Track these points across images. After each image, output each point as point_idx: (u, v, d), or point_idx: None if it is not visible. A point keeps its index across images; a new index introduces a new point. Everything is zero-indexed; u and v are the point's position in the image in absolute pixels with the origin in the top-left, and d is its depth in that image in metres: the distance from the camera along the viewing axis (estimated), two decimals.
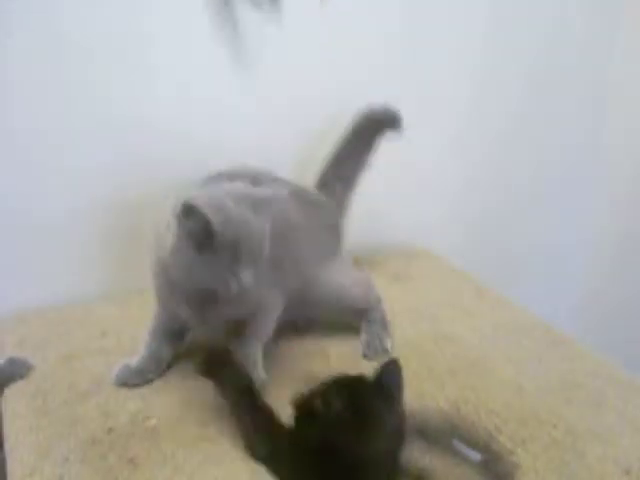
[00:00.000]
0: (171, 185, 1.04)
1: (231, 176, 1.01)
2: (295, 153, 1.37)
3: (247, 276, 0.89)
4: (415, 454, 0.98)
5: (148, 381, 1.01)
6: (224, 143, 1.24)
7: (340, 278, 1.14)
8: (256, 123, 1.31)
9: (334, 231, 1.21)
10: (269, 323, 1.06)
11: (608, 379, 1.04)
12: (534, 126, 1.64)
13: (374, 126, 1.29)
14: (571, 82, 1.65)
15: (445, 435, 0.96)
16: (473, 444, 0.93)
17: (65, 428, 0.90)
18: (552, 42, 1.59)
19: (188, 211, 0.85)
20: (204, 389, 0.96)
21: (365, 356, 1.11)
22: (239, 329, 1.02)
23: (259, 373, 1.01)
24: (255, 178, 1.02)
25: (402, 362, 1.04)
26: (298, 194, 1.12)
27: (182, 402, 0.96)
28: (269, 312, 1.05)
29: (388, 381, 0.88)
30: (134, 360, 1.02)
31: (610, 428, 0.92)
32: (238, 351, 1.00)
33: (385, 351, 1.10)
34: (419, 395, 0.98)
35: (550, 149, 1.68)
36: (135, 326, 1.15)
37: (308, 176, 1.28)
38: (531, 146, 1.65)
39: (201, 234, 0.85)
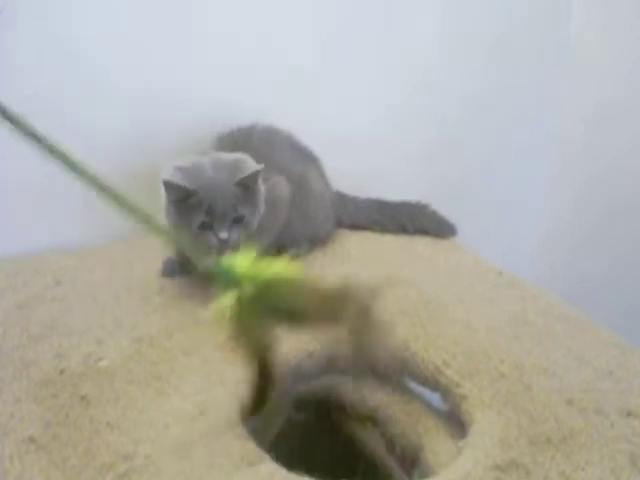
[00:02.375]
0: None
1: (239, 134, 1.19)
2: None
3: (224, 233, 1.02)
4: (366, 392, 1.01)
5: (191, 270, 1.10)
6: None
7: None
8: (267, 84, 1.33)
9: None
10: (267, 237, 1.15)
11: (558, 317, 1.06)
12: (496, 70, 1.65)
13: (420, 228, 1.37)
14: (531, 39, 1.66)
15: (395, 372, 0.98)
16: (422, 379, 0.96)
17: (17, 370, 0.90)
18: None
19: (167, 185, 1.02)
20: (156, 330, 0.97)
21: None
22: None
23: None
24: (260, 136, 1.18)
25: None
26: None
27: (135, 342, 0.96)
28: (269, 228, 1.15)
29: None
30: (172, 256, 1.16)
31: (556, 362, 0.94)
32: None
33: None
34: None
35: (509, 98, 1.69)
36: (90, 275, 1.16)
37: None
38: (492, 89, 1.66)
39: (181, 200, 1.02)
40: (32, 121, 0.71)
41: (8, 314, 1.03)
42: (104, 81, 1.22)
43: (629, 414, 0.84)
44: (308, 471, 0.76)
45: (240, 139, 1.18)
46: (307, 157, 1.27)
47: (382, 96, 1.51)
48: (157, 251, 1.18)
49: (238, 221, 1.04)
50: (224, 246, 1.02)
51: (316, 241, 1.28)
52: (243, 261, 0.79)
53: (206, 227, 1.02)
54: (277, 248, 1.20)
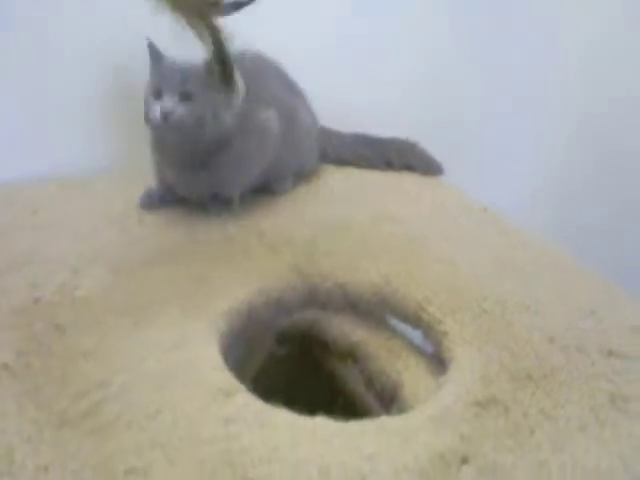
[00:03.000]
0: None
1: None
2: None
3: (167, 102, 0.99)
4: (347, 328, 1.00)
5: (169, 204, 1.12)
6: None
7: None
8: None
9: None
10: (255, 170, 1.14)
11: (542, 255, 1.05)
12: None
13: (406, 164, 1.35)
14: None
15: (377, 308, 0.97)
16: (403, 316, 0.95)
17: None
18: None
19: (148, 47, 1.04)
20: (135, 261, 0.95)
21: None
22: None
23: (233, 206, 1.12)
24: (250, 64, 1.13)
25: (337, 239, 1.05)
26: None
27: (113, 273, 0.94)
28: (258, 161, 1.13)
29: None
30: (154, 186, 1.14)
31: (539, 300, 0.93)
32: (222, 184, 1.11)
33: None
34: (352, 270, 0.98)
35: (505, 38, 1.64)
36: (69, 206, 1.13)
37: None
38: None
39: (154, 66, 1.04)
40: None
41: None
42: None
43: (610, 353, 0.83)
44: (287, 405, 0.75)
45: None
46: (295, 89, 1.24)
47: (369, 22, 1.45)
48: (139, 186, 1.16)
49: (186, 98, 0.99)
50: (166, 119, 0.98)
51: (301, 175, 1.25)
52: None
53: (157, 96, 1.00)
54: (262, 183, 1.18)
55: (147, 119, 1.02)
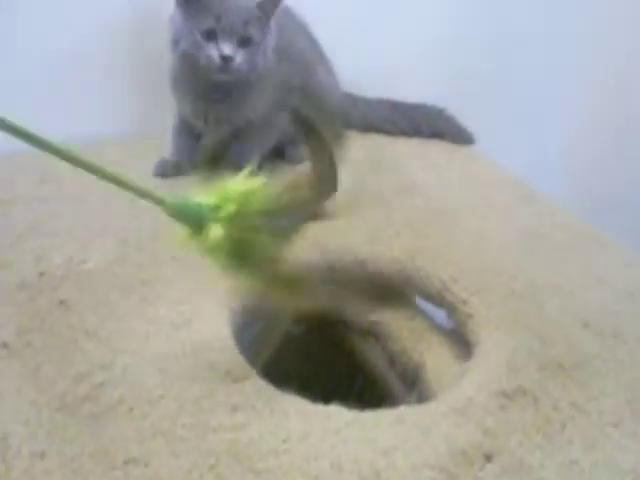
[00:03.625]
0: None
1: None
2: None
3: (228, 48, 0.94)
4: (367, 307, 0.95)
5: (184, 172, 1.08)
6: None
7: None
8: None
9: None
10: (271, 135, 1.11)
11: (576, 233, 0.99)
12: None
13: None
14: None
15: (399, 285, 0.92)
16: (426, 294, 0.89)
17: None
18: None
19: None
20: (144, 233, 0.91)
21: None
22: (242, 137, 1.08)
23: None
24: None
25: (358, 211, 1.00)
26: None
27: (121, 245, 0.90)
28: (271, 125, 1.09)
29: None
30: (168, 154, 1.10)
31: (572, 281, 0.88)
32: (235, 151, 1.06)
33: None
34: (373, 244, 0.93)
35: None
36: (76, 173, 1.08)
37: None
38: None
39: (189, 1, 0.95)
40: None
41: None
42: None
43: None
44: (305, 387, 0.70)
45: None
46: (319, 50, 1.18)
47: None
48: (152, 154, 1.12)
49: (246, 43, 0.96)
50: (226, 66, 0.95)
51: None
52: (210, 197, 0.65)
53: (210, 37, 0.94)
54: (275, 151, 1.14)
55: (183, 54, 0.98)
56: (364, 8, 1.31)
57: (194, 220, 0.64)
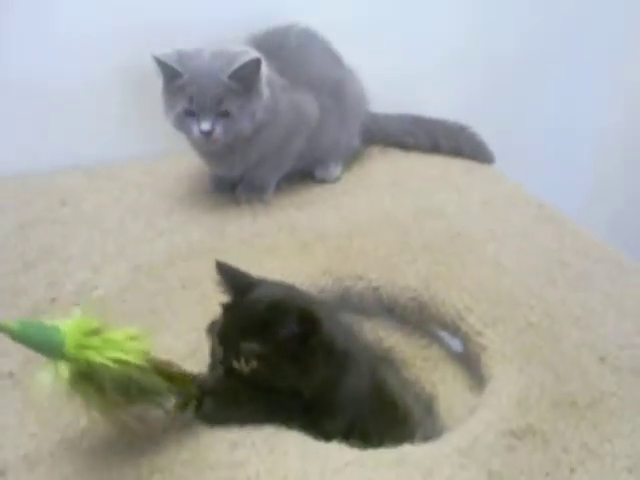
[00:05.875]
0: None
1: (274, 35, 1.09)
2: None
3: (205, 124, 0.96)
4: (382, 333, 0.93)
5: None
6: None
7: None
8: None
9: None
10: (284, 161, 1.11)
11: (598, 257, 0.95)
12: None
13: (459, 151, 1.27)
14: None
15: (413, 314, 0.90)
16: (441, 323, 0.87)
17: (7, 298, 0.86)
18: None
19: (156, 61, 0.96)
20: (157, 258, 0.91)
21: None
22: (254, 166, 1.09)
23: (266, 195, 1.10)
24: (296, 39, 1.09)
25: (374, 235, 0.98)
26: None
27: (133, 271, 0.90)
28: (284, 152, 1.09)
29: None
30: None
31: (592, 311, 0.84)
32: (252, 173, 1.08)
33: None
34: (389, 271, 0.91)
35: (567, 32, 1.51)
36: (98, 197, 1.09)
37: None
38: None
39: (169, 80, 0.97)
40: None
41: (7, 236, 0.99)
42: None
43: None
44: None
45: (275, 40, 1.09)
46: (342, 64, 1.17)
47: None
48: (169, 175, 1.12)
49: (224, 115, 0.97)
50: (207, 139, 0.97)
51: (344, 157, 1.20)
52: (73, 326, 0.61)
53: (191, 114, 0.97)
54: (304, 168, 1.15)
55: (177, 127, 1.00)
56: (384, 25, 1.29)
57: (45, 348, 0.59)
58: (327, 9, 1.21)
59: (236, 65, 0.94)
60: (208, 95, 0.95)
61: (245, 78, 0.96)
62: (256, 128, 0.99)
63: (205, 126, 0.96)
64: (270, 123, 1.01)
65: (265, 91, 0.98)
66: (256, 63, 0.96)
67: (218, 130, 0.96)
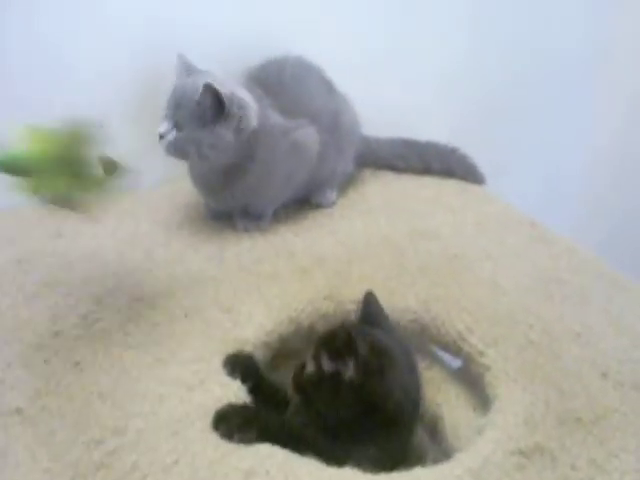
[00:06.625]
0: None
1: (270, 68, 1.10)
2: None
3: (162, 126, 0.98)
4: None
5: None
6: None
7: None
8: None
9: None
10: (283, 190, 1.11)
11: (593, 275, 0.97)
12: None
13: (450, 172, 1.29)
14: None
15: (415, 336, 0.91)
16: (442, 345, 0.88)
17: (9, 333, 0.85)
18: None
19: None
20: (158, 288, 0.92)
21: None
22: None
23: (263, 223, 1.10)
24: (292, 71, 1.10)
25: (372, 258, 0.99)
26: None
27: (135, 302, 0.90)
28: (289, 182, 1.10)
29: (371, 314, 0.85)
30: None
31: (590, 328, 0.86)
32: (250, 203, 1.09)
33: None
34: (388, 293, 0.91)
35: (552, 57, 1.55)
36: (94, 228, 1.09)
37: None
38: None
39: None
40: None
41: (6, 269, 0.98)
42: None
43: None
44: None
45: (272, 74, 1.10)
46: (336, 92, 1.18)
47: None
48: (166, 204, 1.12)
49: (179, 127, 0.98)
50: (160, 139, 0.99)
51: (340, 182, 1.21)
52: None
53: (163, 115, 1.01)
54: (302, 196, 1.16)
55: None
56: (376, 50, 1.31)
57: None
58: (323, 38, 1.22)
59: (199, 93, 0.96)
60: (172, 100, 0.99)
61: (208, 111, 0.97)
62: (240, 160, 1.02)
63: (161, 127, 0.98)
64: (270, 163, 1.04)
65: (228, 137, 0.98)
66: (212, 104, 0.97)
67: (169, 137, 0.98)
